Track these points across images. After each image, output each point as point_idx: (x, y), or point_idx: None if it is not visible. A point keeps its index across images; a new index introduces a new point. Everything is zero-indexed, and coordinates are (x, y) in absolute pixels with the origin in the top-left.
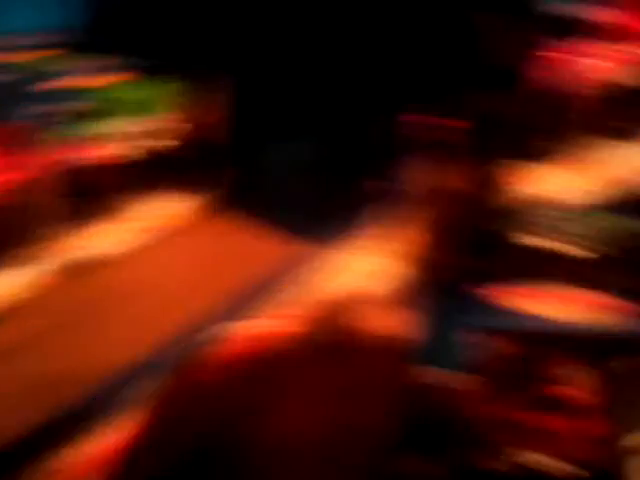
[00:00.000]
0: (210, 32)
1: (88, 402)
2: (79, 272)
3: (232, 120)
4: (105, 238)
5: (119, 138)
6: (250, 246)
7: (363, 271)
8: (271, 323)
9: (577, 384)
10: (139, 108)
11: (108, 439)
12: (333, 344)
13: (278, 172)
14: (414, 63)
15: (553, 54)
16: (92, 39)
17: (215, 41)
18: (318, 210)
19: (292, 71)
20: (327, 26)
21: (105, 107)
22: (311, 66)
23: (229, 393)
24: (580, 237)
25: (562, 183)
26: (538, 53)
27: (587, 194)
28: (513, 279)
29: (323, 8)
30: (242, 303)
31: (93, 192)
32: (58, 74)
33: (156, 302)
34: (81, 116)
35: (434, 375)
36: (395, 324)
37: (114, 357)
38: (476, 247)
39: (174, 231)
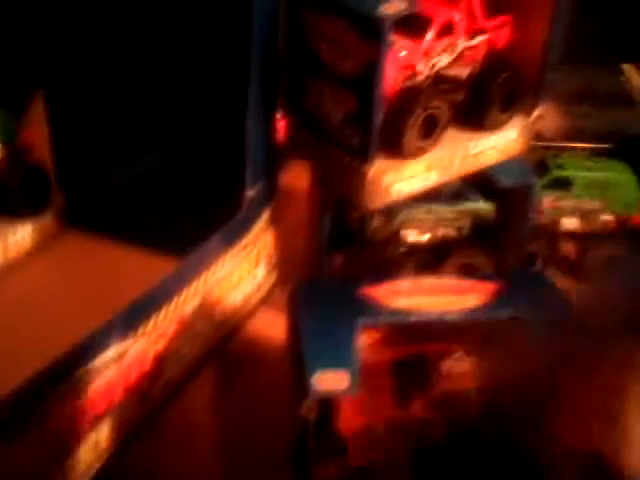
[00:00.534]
0: (10, 44)
1: None
2: None
3: (54, 138)
4: None
5: None
6: (105, 266)
7: (235, 278)
8: None
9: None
10: None
11: None
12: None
13: (125, 188)
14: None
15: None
16: None
17: (18, 53)
18: (174, 224)
19: (119, 80)
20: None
21: None
22: (141, 72)
23: None
24: (445, 225)
25: (414, 177)
26: (365, 52)
27: (439, 184)
28: (384, 275)
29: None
30: (113, 327)
31: None
32: None
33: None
34: None
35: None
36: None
37: None
38: (343, 245)
39: (14, 263)
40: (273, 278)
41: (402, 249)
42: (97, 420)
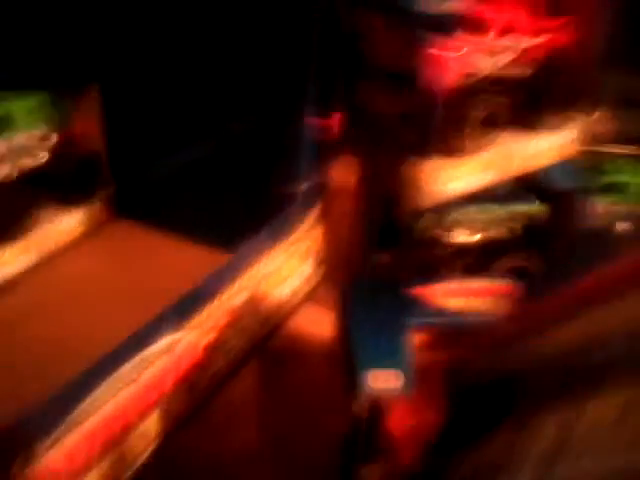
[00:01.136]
0: (70, 38)
1: None
2: None
3: (106, 129)
4: None
5: None
6: (154, 257)
7: (284, 272)
8: None
9: None
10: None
11: None
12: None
13: (173, 180)
14: (298, 63)
15: (439, 51)
16: None
17: (76, 47)
18: (222, 216)
19: (169, 73)
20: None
21: None
22: (190, 67)
23: None
24: (497, 226)
25: (469, 176)
26: (424, 51)
27: (492, 184)
28: (437, 276)
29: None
30: (165, 317)
31: None
32: None
33: (58, 327)
34: None
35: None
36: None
37: None
38: (391, 243)
39: (63, 249)
40: (320, 274)
41: (451, 249)
42: (147, 410)
